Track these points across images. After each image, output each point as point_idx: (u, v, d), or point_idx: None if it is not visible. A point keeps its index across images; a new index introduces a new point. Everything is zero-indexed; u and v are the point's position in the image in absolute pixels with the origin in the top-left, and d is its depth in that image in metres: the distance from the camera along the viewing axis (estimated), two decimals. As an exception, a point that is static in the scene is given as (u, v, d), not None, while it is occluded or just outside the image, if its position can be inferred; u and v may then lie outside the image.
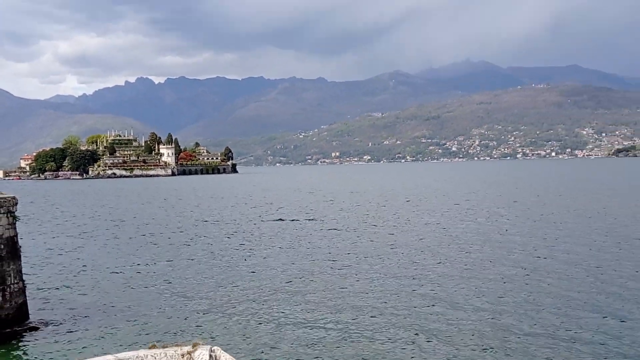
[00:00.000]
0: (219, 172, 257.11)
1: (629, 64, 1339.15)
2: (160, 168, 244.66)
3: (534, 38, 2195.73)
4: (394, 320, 20.18)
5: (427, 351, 16.95)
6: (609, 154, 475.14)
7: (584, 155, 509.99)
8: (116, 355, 6.48)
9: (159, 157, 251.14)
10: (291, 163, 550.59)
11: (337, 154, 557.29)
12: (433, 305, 21.52)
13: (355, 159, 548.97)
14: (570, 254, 31.10)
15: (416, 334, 18.49)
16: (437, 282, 25.30)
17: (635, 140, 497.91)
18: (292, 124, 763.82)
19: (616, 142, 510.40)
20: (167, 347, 6.27)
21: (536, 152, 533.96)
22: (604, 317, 19.71)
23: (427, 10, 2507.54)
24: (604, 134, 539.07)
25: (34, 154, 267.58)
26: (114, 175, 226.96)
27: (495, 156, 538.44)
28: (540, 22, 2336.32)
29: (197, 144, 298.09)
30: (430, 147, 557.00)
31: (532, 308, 20.89)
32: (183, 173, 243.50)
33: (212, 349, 6.48)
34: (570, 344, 17.23)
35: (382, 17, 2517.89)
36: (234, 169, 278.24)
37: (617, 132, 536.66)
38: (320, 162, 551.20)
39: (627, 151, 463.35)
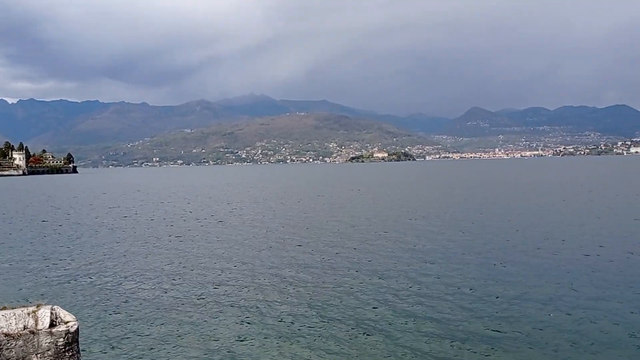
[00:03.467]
0: (62, 173, 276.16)
1: (359, 100, 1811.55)
2: (13, 169, 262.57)
3: (298, 79, 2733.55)
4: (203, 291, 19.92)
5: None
6: (346, 160, 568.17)
7: (331, 161, 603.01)
8: None
9: (12, 161, 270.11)
10: (121, 166, 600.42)
11: (157, 159, 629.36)
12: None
13: (172, 163, 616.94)
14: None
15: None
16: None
17: (362, 151, 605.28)
18: (121, 136, 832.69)
19: (351, 152, 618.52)
20: (15, 308, 6.68)
21: (300, 159, 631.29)
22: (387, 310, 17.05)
23: (223, 58, 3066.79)
24: (343, 147, 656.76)
25: None
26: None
27: (272, 161, 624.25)
28: (301, 68, 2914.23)
29: (44, 151, 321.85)
30: (227, 155, 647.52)
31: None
32: (32, 173, 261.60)
33: (53, 307, 6.89)
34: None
35: (191, 60, 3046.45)
36: (74, 170, 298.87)
37: (351, 146, 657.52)
38: (144, 164, 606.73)
39: (357, 158, 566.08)
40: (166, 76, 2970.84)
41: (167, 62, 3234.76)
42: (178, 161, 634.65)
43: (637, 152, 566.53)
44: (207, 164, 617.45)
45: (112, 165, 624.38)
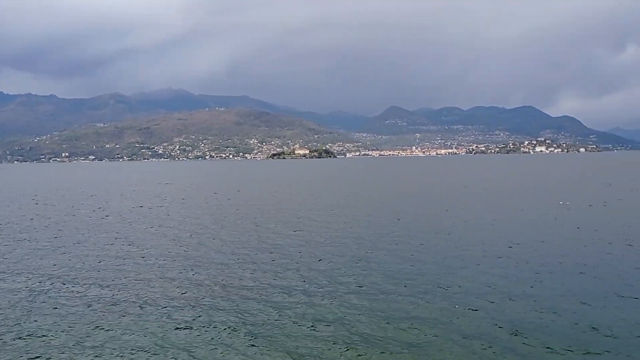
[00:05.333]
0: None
1: (280, 97, 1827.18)
2: None
3: (217, 74, 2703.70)
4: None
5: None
6: (268, 157, 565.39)
7: (251, 158, 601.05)
8: None
9: None
10: (27, 161, 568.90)
11: (67, 154, 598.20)
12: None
13: (82, 159, 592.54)
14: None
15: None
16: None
17: (284, 148, 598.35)
18: (28, 130, 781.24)
19: (272, 149, 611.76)
20: None
21: (219, 155, 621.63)
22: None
23: (139, 49, 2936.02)
24: (264, 143, 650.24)
25: None
26: None
27: (190, 157, 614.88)
28: (221, 63, 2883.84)
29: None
30: (143, 150, 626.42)
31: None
32: None
33: None
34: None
35: (105, 51, 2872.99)
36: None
37: (272, 142, 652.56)
38: (52, 160, 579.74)
39: (278, 155, 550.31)
40: (77, 67, 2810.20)
41: (78, 52, 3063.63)
42: (90, 157, 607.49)
43: (541, 151, 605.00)
44: (121, 160, 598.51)
45: (17, 160, 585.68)
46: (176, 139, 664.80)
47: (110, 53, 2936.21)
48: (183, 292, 20.17)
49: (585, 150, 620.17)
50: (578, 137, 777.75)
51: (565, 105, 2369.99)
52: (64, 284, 21.57)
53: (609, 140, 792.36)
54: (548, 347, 14.47)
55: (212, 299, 19.25)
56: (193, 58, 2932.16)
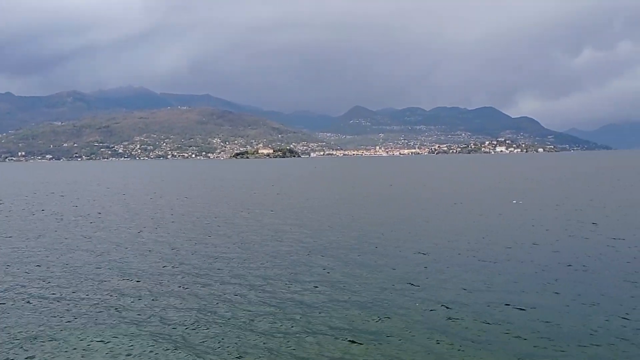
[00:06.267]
0: None
1: (243, 96, 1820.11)
2: None
3: (179, 72, 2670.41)
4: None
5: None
6: (231, 156, 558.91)
7: (214, 157, 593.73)
8: None
9: None
10: None
11: (23, 153, 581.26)
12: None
13: (39, 158, 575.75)
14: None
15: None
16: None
17: (247, 148, 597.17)
18: None
19: (235, 149, 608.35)
20: None
21: (182, 155, 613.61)
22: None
23: (98, 47, 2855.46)
24: (227, 143, 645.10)
25: None
26: None
27: (152, 157, 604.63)
28: (183, 61, 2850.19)
29: None
30: (102, 149, 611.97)
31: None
32: None
33: None
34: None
35: (63, 47, 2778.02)
36: None
37: (235, 142, 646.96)
38: (8, 159, 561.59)
39: (242, 154, 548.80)
40: (34, 64, 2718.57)
41: (35, 49, 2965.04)
42: (47, 156, 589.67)
43: (502, 151, 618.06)
44: (79, 159, 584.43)
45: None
46: (137, 138, 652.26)
47: (68, 50, 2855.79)
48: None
49: (544, 150, 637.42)
50: (537, 138, 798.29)
51: (524, 107, 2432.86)
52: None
53: (566, 140, 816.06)
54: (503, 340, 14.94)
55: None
56: (155, 56, 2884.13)
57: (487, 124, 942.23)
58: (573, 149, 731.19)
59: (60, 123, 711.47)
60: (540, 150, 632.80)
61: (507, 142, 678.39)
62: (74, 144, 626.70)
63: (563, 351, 14.34)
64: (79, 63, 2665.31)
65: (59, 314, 17.75)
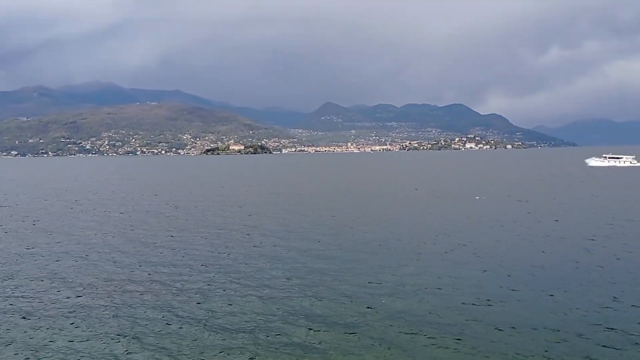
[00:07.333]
0: None
1: (214, 92, 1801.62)
2: None
3: (149, 67, 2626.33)
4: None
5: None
6: (201, 153, 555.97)
7: (184, 153, 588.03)
8: None
9: None
10: None
11: None
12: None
13: (4, 154, 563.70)
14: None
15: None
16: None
17: (218, 144, 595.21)
18: None
19: (206, 145, 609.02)
20: None
21: (151, 151, 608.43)
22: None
23: (65, 41, 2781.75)
24: (198, 139, 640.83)
25: None
26: None
27: (120, 153, 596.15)
28: (152, 56, 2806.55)
29: None
30: (69, 145, 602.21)
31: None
32: None
33: None
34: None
35: (27, 41, 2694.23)
36: None
37: (206, 138, 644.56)
38: None
39: (213, 151, 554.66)
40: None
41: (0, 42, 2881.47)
42: (12, 152, 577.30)
43: (471, 147, 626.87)
44: (46, 156, 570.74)
45: None
46: (105, 134, 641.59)
47: (34, 44, 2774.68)
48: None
49: (512, 147, 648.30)
50: (505, 134, 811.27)
51: (493, 104, 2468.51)
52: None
53: (534, 137, 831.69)
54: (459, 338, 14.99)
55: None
56: (123, 50, 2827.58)
57: (457, 120, 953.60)
58: (540, 146, 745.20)
59: (25, 119, 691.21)
60: (509, 146, 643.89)
61: (477, 138, 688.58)
62: (40, 140, 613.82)
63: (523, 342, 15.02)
64: (45, 57, 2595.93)
65: (18, 313, 17.89)
